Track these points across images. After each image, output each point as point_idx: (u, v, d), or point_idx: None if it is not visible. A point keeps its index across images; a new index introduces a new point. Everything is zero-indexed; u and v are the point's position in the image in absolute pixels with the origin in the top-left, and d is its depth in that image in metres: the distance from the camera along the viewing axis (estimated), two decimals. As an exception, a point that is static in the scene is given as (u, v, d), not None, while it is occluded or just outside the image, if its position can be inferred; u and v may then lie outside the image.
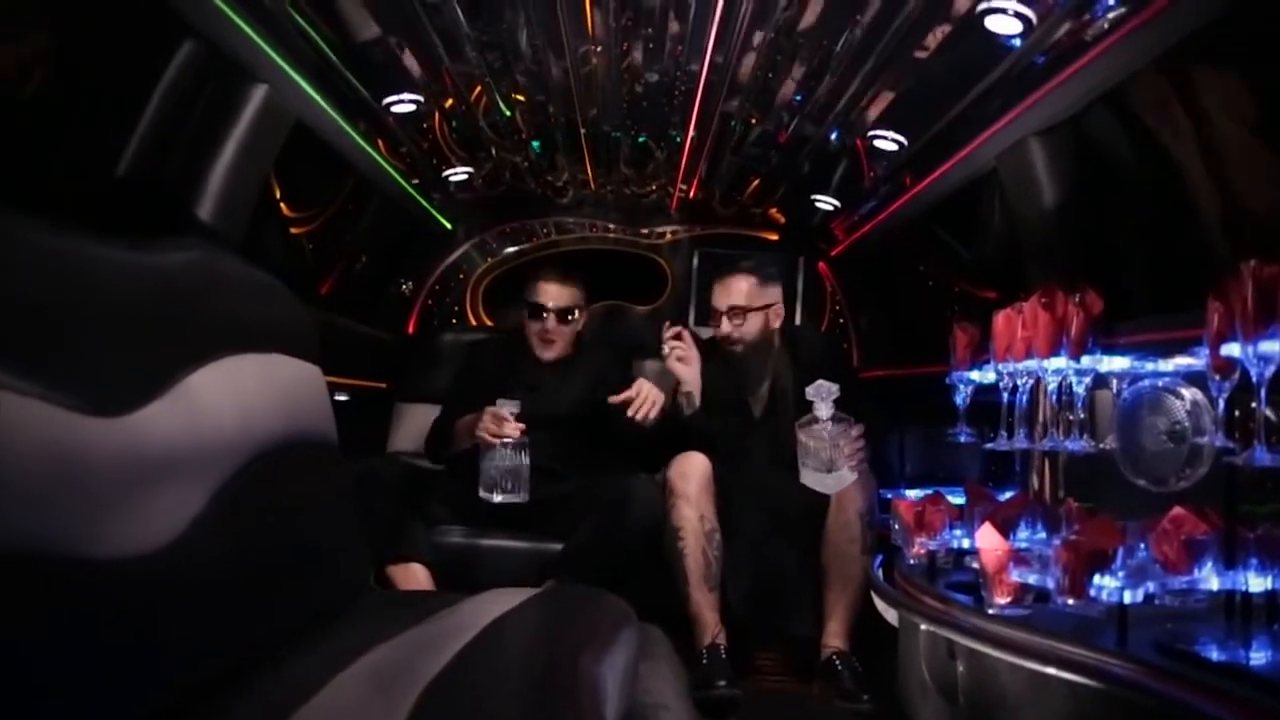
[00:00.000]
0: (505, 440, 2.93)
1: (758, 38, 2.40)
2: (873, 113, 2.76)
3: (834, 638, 2.82)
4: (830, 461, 2.75)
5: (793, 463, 3.10)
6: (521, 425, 2.95)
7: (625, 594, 2.20)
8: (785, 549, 3.05)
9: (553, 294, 3.40)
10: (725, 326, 3.22)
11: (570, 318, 3.42)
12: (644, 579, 2.88)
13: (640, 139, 3.37)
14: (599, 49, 2.56)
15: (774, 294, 3.28)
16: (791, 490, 3.04)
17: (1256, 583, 1.45)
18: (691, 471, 2.94)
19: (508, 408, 2.98)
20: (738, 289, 3.24)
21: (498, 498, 2.92)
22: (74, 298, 1.36)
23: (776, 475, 3.11)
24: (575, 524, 3.02)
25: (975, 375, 2.26)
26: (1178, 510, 1.55)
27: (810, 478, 2.78)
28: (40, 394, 1.19)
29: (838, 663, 2.75)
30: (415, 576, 2.90)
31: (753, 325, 3.23)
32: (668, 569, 2.89)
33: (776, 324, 3.29)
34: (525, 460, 2.95)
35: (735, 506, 3.03)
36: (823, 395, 2.76)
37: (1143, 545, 1.57)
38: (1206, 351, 1.52)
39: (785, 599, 3.01)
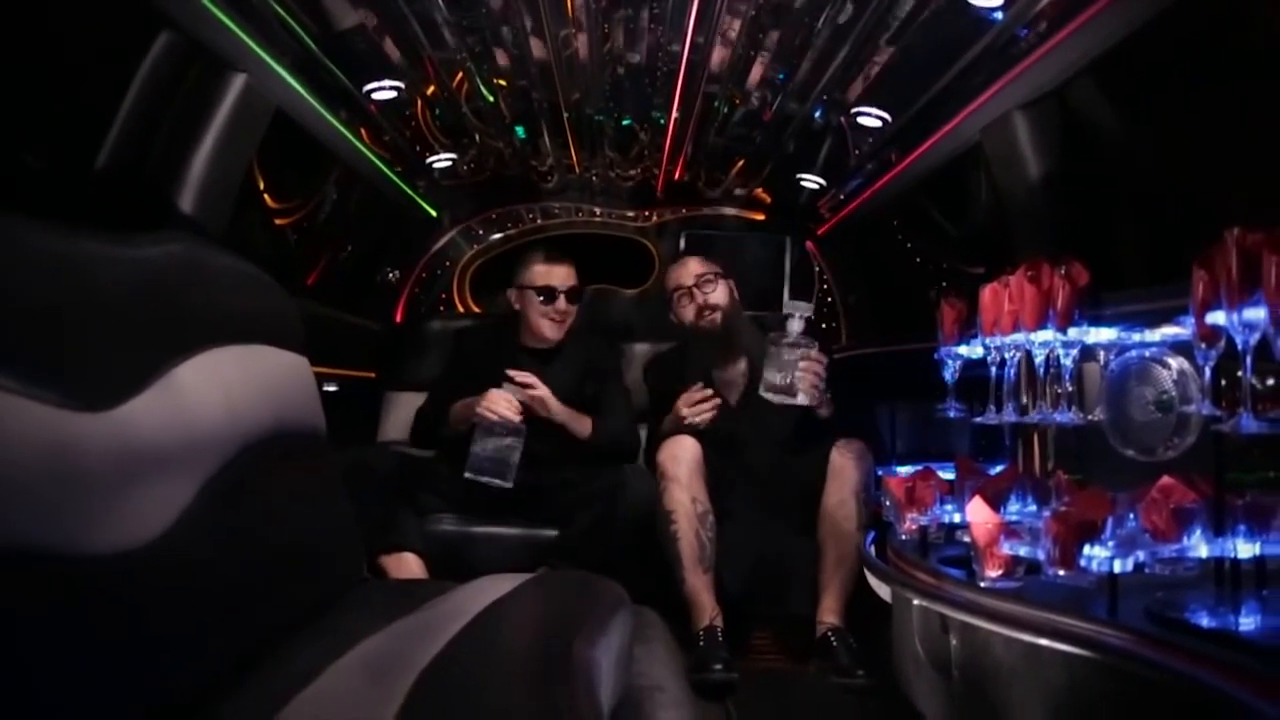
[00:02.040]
0: (503, 425, 3.00)
1: (738, 16, 2.39)
2: (856, 89, 2.75)
3: (829, 614, 2.83)
4: (788, 378, 2.83)
5: (782, 446, 3.12)
6: (521, 414, 3.04)
7: (620, 578, 2.21)
8: (778, 530, 3.07)
9: (562, 275, 3.43)
10: (698, 297, 3.27)
11: (578, 298, 3.47)
12: (639, 563, 2.89)
13: (624, 121, 3.36)
14: (580, 32, 2.54)
15: (720, 269, 3.38)
16: (782, 472, 3.06)
17: (1245, 549, 1.45)
18: (682, 454, 2.94)
19: (512, 394, 3.07)
20: (692, 264, 3.37)
21: (483, 479, 2.98)
22: (56, 293, 1.35)
23: (766, 458, 3.12)
24: (569, 512, 3.03)
25: (963, 350, 2.26)
26: (1166, 479, 1.55)
27: (769, 392, 2.86)
28: (25, 390, 1.18)
29: (833, 639, 2.76)
30: (408, 565, 2.90)
31: (722, 292, 3.30)
32: (662, 553, 2.90)
33: (735, 297, 3.35)
34: (518, 448, 3.01)
35: (726, 489, 3.03)
36: (798, 311, 2.82)
37: (1132, 515, 1.57)
38: (1192, 320, 1.52)
39: (780, 579, 3.02)
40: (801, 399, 2.85)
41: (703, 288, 3.28)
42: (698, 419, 3.08)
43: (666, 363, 3.54)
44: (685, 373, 3.28)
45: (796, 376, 2.83)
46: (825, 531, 2.93)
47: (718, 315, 3.27)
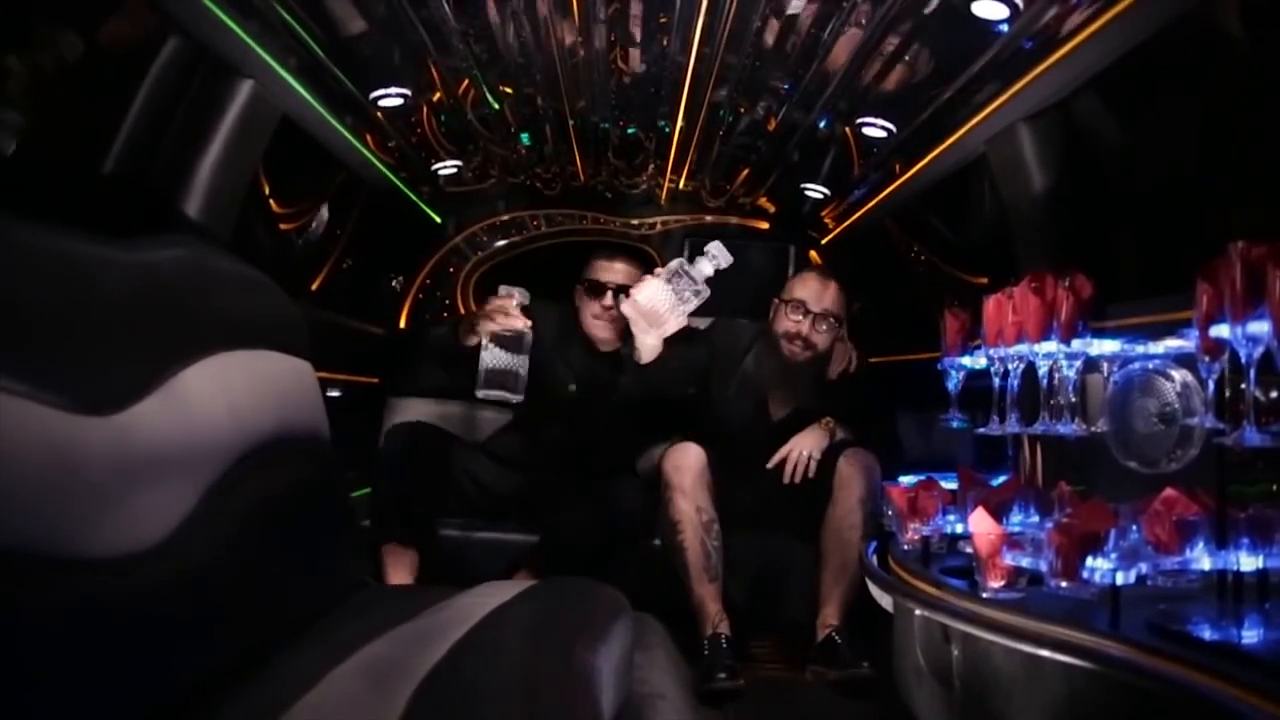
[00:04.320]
0: (508, 334, 2.78)
1: (744, 26, 2.39)
2: (861, 99, 2.76)
3: (830, 619, 2.82)
4: (662, 316, 2.76)
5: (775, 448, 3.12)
6: (524, 319, 2.81)
7: (622, 585, 2.21)
8: (783, 538, 3.06)
9: (614, 271, 3.29)
10: (804, 329, 3.15)
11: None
12: (641, 570, 2.89)
13: (629, 130, 3.36)
14: (585, 40, 2.55)
15: (842, 317, 3.25)
16: (778, 480, 3.06)
17: (1248, 562, 1.45)
18: (685, 464, 2.93)
19: (514, 295, 2.87)
20: (831, 293, 3.19)
21: (495, 394, 2.80)
22: (63, 296, 1.36)
23: (763, 463, 3.11)
24: (555, 518, 3.05)
25: (966, 361, 2.26)
26: (1169, 491, 1.55)
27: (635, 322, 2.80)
28: (30, 393, 1.19)
29: (836, 637, 2.75)
30: (404, 563, 2.91)
31: (827, 338, 3.19)
32: (667, 561, 2.89)
33: (831, 349, 3.25)
34: (526, 356, 2.82)
35: (731, 498, 3.02)
36: (715, 258, 2.77)
37: (1135, 527, 1.57)
38: (1196, 333, 1.52)
39: (784, 588, 3.02)
40: (670, 327, 2.79)
41: (818, 324, 3.16)
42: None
43: (738, 338, 3.42)
44: (748, 367, 3.29)
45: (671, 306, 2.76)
46: (829, 541, 2.91)
47: (808, 355, 3.18)
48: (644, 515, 3.01)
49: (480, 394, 2.81)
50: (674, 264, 2.78)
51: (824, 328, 3.16)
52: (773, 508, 3.09)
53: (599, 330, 3.29)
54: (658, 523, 2.97)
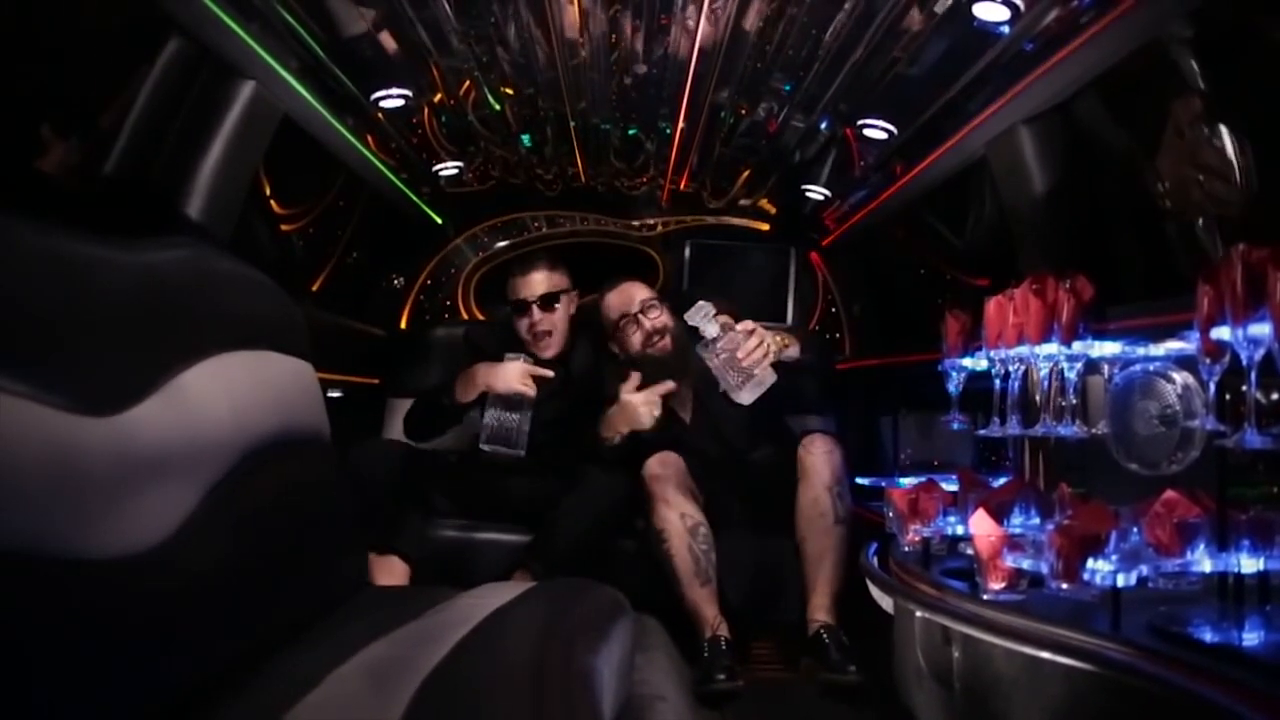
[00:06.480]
0: (516, 396, 3.02)
1: (746, 27, 2.39)
2: (862, 101, 2.76)
3: (819, 611, 2.82)
4: (740, 374, 2.81)
5: (743, 452, 3.11)
6: (532, 385, 3.05)
7: (622, 585, 2.21)
8: (764, 537, 3.06)
9: (533, 284, 3.28)
10: (645, 323, 3.22)
11: (555, 304, 3.29)
12: (640, 571, 2.89)
13: (630, 131, 3.37)
14: (587, 41, 2.55)
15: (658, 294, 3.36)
16: (753, 478, 3.06)
17: (1248, 564, 1.45)
18: (664, 472, 2.94)
19: (520, 359, 3.09)
20: (634, 289, 3.31)
21: (499, 449, 3.03)
22: (64, 297, 1.35)
23: (732, 468, 3.11)
24: (550, 516, 3.05)
25: (967, 362, 2.26)
26: (1170, 494, 1.55)
27: (743, 397, 2.85)
28: (31, 394, 1.18)
29: (825, 636, 2.74)
30: (392, 569, 2.91)
31: (666, 314, 3.27)
32: (659, 569, 2.89)
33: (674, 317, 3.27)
34: (529, 416, 3.04)
35: (714, 500, 3.02)
36: (700, 316, 2.83)
37: (1135, 529, 1.57)
38: (1197, 335, 1.53)
39: (770, 587, 3.02)
40: (767, 378, 2.83)
41: (648, 313, 3.24)
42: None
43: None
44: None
45: (744, 367, 2.81)
46: (802, 529, 2.92)
47: (668, 340, 3.23)
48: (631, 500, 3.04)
49: (485, 449, 3.04)
50: (707, 362, 2.87)
51: (654, 312, 3.26)
52: (748, 507, 3.10)
53: (535, 346, 3.28)
54: (646, 533, 2.97)
